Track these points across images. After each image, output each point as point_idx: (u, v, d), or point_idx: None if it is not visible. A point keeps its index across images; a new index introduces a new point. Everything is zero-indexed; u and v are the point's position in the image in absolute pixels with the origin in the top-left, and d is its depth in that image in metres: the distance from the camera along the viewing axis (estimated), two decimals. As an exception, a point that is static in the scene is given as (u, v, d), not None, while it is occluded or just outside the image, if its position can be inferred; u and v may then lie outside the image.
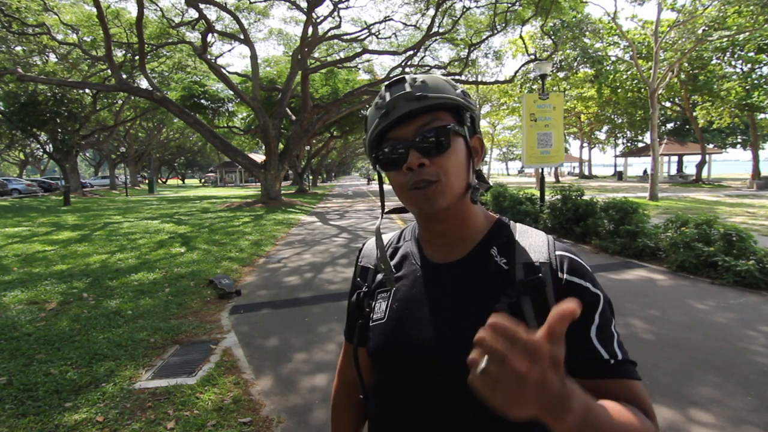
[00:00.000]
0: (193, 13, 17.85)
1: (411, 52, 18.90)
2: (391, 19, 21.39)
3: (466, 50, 18.95)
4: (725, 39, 18.09)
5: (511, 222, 0.78)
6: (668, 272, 5.90)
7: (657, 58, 15.32)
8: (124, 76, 18.91)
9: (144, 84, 21.91)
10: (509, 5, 16.36)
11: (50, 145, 25.05)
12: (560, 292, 0.66)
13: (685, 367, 3.16)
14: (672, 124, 36.17)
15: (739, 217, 10.60)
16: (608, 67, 22.37)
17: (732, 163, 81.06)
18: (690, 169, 33.06)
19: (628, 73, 21.54)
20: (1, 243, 8.73)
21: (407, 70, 18.81)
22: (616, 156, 41.77)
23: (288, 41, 24.69)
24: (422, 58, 20.26)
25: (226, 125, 25.14)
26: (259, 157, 26.52)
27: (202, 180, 61.21)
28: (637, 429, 0.54)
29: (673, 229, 6.37)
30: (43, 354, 3.48)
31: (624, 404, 0.58)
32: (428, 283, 0.74)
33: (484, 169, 42.05)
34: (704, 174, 28.77)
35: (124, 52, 20.56)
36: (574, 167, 52.39)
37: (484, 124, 38.57)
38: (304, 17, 16.37)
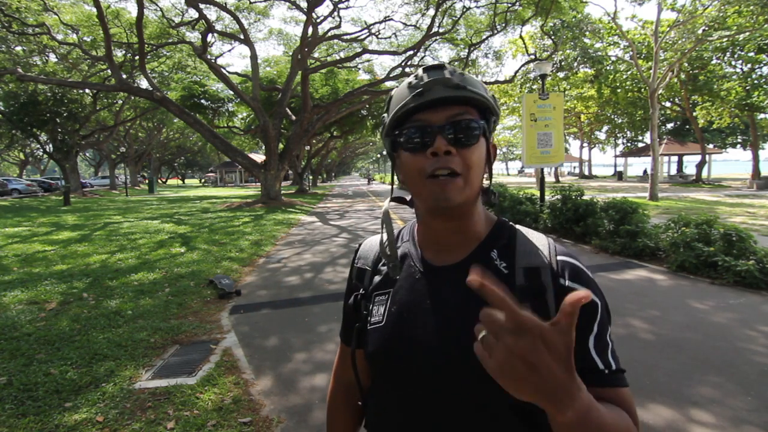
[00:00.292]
0: (193, 13, 17.86)
1: (411, 52, 18.90)
2: (391, 19, 21.41)
3: (466, 50, 18.96)
4: (725, 39, 18.08)
5: (512, 224, 0.77)
6: (668, 272, 5.90)
7: (657, 58, 15.32)
8: (124, 76, 18.91)
9: (144, 84, 21.91)
10: (509, 5, 16.36)
11: (50, 145, 25.06)
12: (561, 299, 0.65)
13: (685, 367, 3.16)
14: (672, 124, 36.15)
15: (739, 217, 10.60)
16: (608, 67, 22.37)
17: (732, 163, 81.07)
18: (690, 169, 33.06)
19: (628, 73, 21.53)
20: (1, 243, 8.73)
21: (407, 70, 18.81)
22: (616, 156, 41.76)
23: (288, 41, 24.69)
24: (422, 58, 20.25)
25: (226, 125, 25.14)
26: (259, 157, 26.52)
27: (202, 180, 61.21)
28: (627, 428, 0.57)
29: (675, 229, 6.37)
30: (43, 354, 3.48)
31: (614, 407, 0.60)
32: (427, 286, 0.73)
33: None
34: (704, 174, 28.77)
35: (124, 52, 20.55)
36: (574, 167, 52.41)
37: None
38: (304, 17, 16.38)
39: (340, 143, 44.30)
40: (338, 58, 22.07)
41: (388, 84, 19.10)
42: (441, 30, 17.67)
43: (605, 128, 38.30)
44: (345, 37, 19.99)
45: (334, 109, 19.25)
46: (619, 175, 36.84)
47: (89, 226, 11.50)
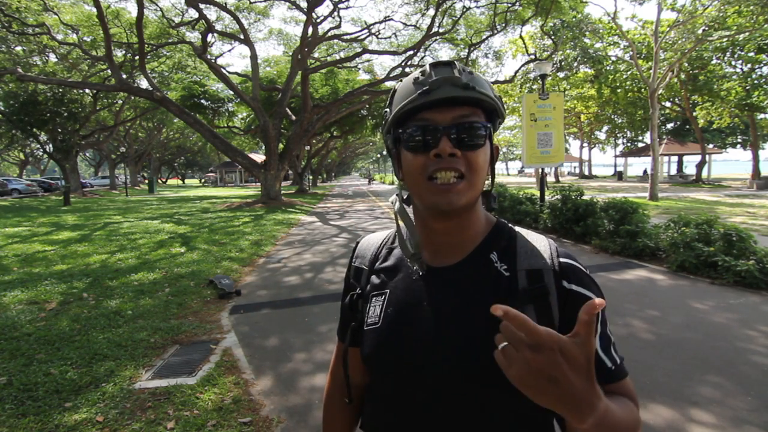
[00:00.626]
0: (193, 13, 17.85)
1: (411, 52, 18.90)
2: (391, 19, 21.41)
3: (466, 50, 18.95)
4: (725, 39, 18.07)
5: (511, 225, 0.76)
6: (668, 272, 5.90)
7: (657, 58, 15.31)
8: (124, 76, 18.90)
9: (144, 84, 21.91)
10: (509, 5, 16.36)
11: (50, 145, 25.05)
12: (564, 301, 0.66)
13: (685, 367, 3.16)
14: (672, 124, 36.15)
15: (739, 217, 10.59)
16: (608, 67, 22.36)
17: (732, 163, 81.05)
18: (690, 169, 33.04)
19: (628, 73, 21.51)
20: (1, 243, 8.73)
21: (407, 70, 18.81)
22: (616, 156, 41.76)
23: (288, 41, 24.68)
24: (422, 58, 20.24)
25: (226, 125, 25.14)
26: (259, 157, 26.52)
27: (202, 180, 61.21)
28: (635, 419, 0.60)
29: (675, 229, 6.37)
30: (43, 354, 3.48)
31: (621, 398, 0.62)
32: (424, 287, 0.72)
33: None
34: (704, 174, 28.75)
35: (124, 52, 20.55)
36: (574, 167, 52.37)
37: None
38: (304, 17, 16.38)
39: (340, 143, 44.28)
40: (338, 58, 22.06)
41: (388, 84, 19.11)
42: (441, 30, 17.66)
43: (605, 128, 38.29)
44: (345, 37, 19.99)
45: (334, 109, 19.25)
46: (619, 175, 36.82)
47: (89, 226, 11.50)
